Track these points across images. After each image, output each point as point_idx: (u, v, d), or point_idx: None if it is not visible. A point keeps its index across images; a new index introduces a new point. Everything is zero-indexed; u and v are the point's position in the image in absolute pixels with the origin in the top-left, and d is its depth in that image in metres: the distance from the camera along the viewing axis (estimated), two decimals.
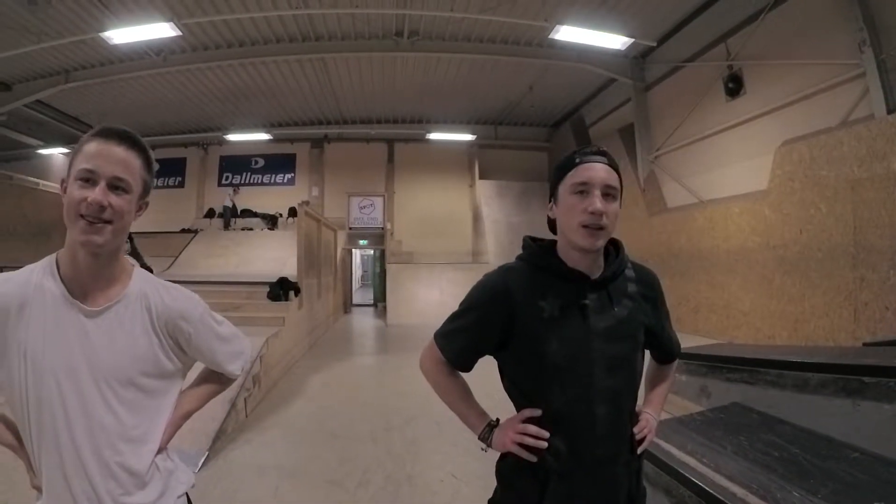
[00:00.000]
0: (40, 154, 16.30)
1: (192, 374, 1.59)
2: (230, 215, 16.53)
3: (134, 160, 1.26)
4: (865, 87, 6.53)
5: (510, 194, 16.50)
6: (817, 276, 6.86)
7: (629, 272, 1.42)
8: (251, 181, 17.97)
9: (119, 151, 1.23)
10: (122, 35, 8.73)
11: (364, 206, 16.32)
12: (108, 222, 1.21)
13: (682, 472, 3.21)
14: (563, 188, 1.35)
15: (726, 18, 8.83)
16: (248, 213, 16.86)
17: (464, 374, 1.51)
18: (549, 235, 1.48)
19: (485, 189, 16.59)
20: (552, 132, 17.76)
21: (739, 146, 8.90)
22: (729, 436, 3.91)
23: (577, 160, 1.33)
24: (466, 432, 5.11)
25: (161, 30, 8.68)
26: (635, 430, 1.38)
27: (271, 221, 16.51)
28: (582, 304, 1.31)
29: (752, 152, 8.42)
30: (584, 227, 1.28)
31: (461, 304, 1.43)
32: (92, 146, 1.22)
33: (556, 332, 1.29)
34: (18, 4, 8.64)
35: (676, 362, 1.61)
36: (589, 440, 1.29)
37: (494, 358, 1.43)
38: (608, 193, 1.29)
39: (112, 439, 1.24)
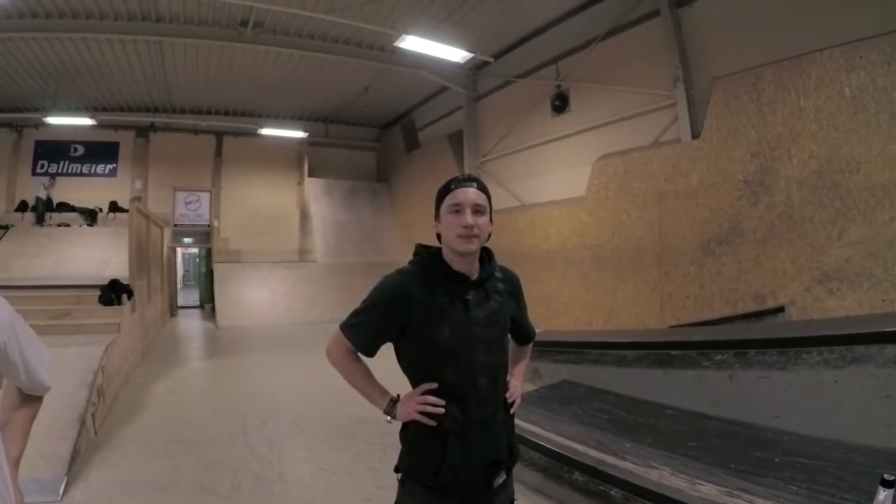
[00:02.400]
0: None
1: None
2: (44, 209, 14.36)
3: None
4: (675, 115, 7.57)
5: (338, 192, 16.54)
6: (628, 272, 7.83)
7: (498, 274, 1.76)
8: (69, 171, 15.59)
9: None
10: None
11: (190, 202, 15.09)
12: None
13: (528, 437, 3.48)
14: (444, 208, 1.65)
15: (560, 43, 9.62)
16: (64, 206, 14.75)
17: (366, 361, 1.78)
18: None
19: (313, 187, 16.44)
20: (382, 133, 18.12)
21: (561, 157, 9.76)
22: (563, 406, 4.31)
23: (453, 186, 1.64)
24: (324, 427, 5.26)
25: None
26: (507, 395, 1.72)
27: (90, 217, 14.62)
28: (465, 299, 1.62)
29: (573, 163, 9.29)
30: (460, 237, 1.58)
31: (364, 301, 1.68)
32: None
33: (446, 321, 1.58)
34: None
35: (532, 344, 2.02)
36: (475, 405, 1.60)
37: (393, 344, 1.68)
38: (477, 210, 1.60)
39: None
